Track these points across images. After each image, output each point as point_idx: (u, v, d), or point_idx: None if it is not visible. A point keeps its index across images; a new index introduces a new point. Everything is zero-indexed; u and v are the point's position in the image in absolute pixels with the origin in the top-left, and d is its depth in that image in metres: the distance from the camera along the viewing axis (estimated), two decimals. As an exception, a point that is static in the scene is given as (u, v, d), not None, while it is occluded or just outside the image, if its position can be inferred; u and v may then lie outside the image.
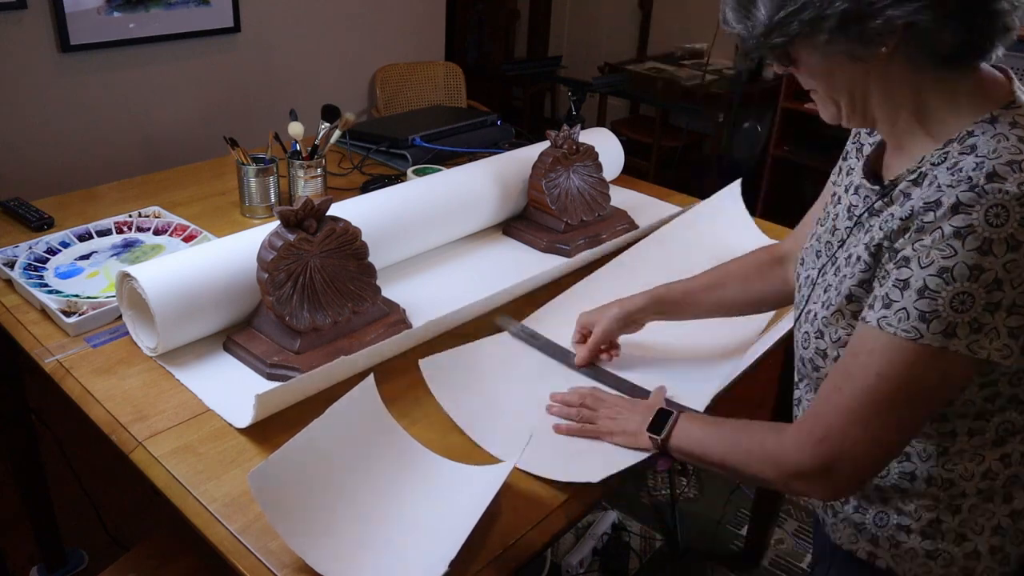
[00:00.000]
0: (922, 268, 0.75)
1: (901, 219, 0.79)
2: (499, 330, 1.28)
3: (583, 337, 1.22)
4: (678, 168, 3.96)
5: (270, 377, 1.12)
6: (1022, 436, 0.86)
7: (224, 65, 2.84)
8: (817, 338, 0.91)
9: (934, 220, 0.75)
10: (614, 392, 1.14)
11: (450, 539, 0.84)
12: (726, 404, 1.15)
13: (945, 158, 0.78)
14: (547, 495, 0.96)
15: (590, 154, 1.60)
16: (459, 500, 0.94)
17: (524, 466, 0.99)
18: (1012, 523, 0.88)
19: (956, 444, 0.86)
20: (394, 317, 1.23)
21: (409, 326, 1.23)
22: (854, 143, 1.00)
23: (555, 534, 0.93)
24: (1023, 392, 0.83)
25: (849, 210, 0.93)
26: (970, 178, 0.74)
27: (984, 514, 0.88)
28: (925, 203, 0.77)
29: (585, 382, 1.17)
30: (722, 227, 1.59)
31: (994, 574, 0.89)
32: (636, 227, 1.62)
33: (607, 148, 1.73)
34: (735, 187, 1.66)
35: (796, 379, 1.02)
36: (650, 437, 0.99)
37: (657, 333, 1.24)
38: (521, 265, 1.47)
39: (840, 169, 1.01)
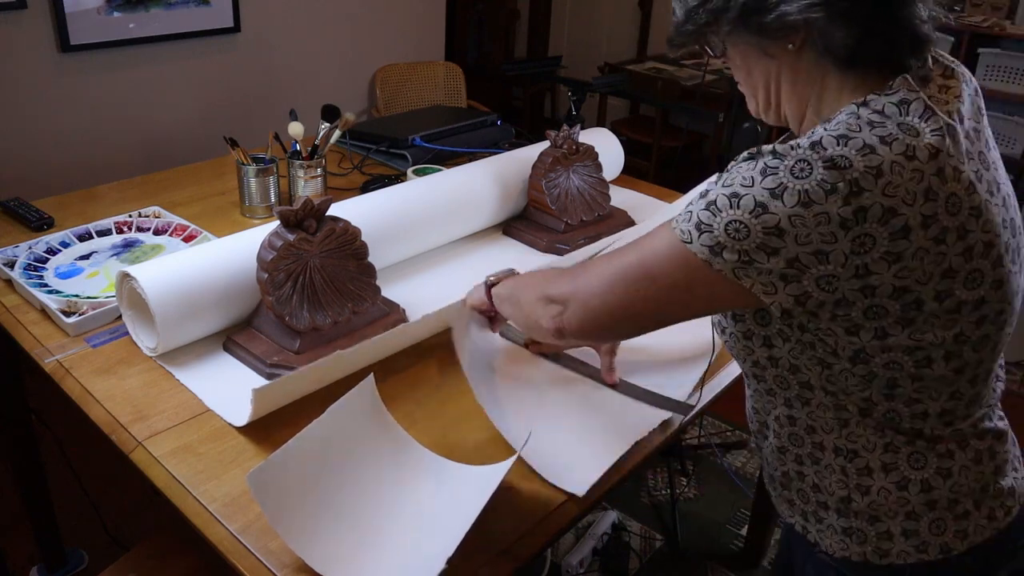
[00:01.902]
0: (722, 187, 0.77)
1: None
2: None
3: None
4: (678, 168, 3.97)
5: (270, 377, 1.11)
6: (911, 426, 0.85)
7: (224, 65, 2.84)
8: None
9: (755, 156, 0.76)
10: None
11: (448, 537, 0.84)
12: (726, 402, 1.15)
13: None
14: (547, 495, 0.96)
15: (590, 154, 1.60)
16: (457, 499, 0.94)
17: (526, 457, 1.01)
18: (927, 510, 0.87)
19: (852, 417, 0.86)
20: (394, 317, 1.23)
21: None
22: None
23: (555, 534, 0.93)
24: (903, 382, 0.81)
25: None
26: (813, 135, 0.75)
27: (898, 501, 0.87)
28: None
29: (599, 391, 1.17)
30: None
31: (910, 558, 0.88)
32: (636, 227, 1.61)
33: (607, 148, 1.73)
34: None
35: None
36: (485, 283, 1.12)
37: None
38: (521, 265, 1.46)
39: None
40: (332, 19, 3.10)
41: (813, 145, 0.73)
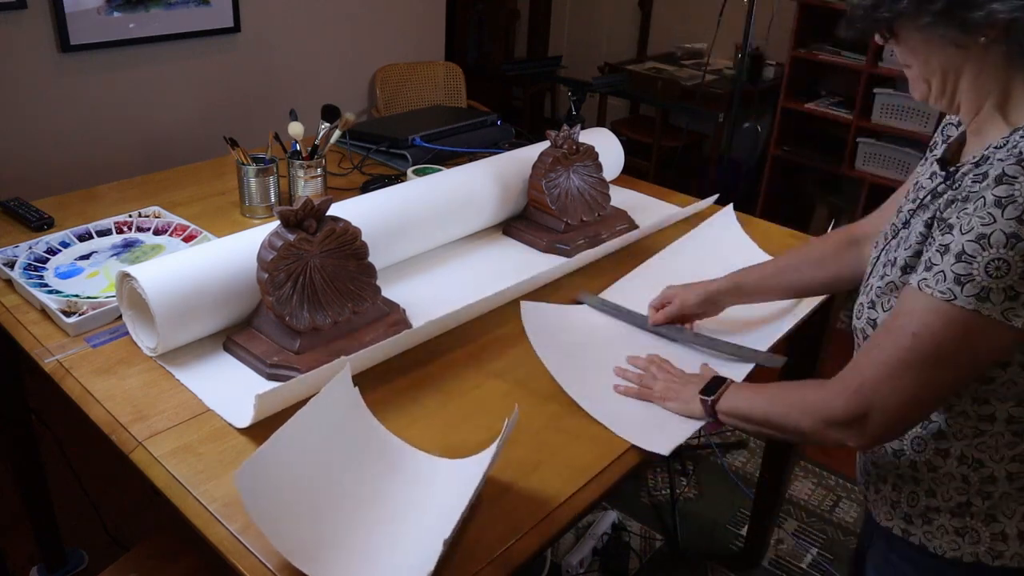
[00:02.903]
0: (963, 234, 0.78)
1: (954, 191, 0.82)
2: (578, 303, 1.37)
3: (663, 304, 1.30)
4: (678, 168, 3.97)
5: (270, 377, 1.12)
6: None
7: (224, 65, 2.84)
8: (870, 308, 0.95)
9: (979, 190, 0.78)
10: (689, 354, 1.24)
11: (435, 536, 0.84)
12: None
13: (1006, 143, 0.80)
14: (547, 495, 0.96)
15: (590, 154, 1.60)
16: (441, 494, 0.94)
17: (606, 421, 1.08)
18: None
19: (993, 427, 0.88)
20: (394, 317, 1.23)
21: (409, 326, 1.23)
22: (941, 134, 1.02)
23: (555, 534, 0.93)
24: None
25: (917, 193, 0.96)
26: (1020, 153, 0.76)
27: (1016, 500, 0.89)
28: (975, 176, 0.80)
29: (660, 347, 1.25)
30: (726, 251, 1.60)
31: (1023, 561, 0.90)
32: (636, 227, 1.62)
33: (607, 148, 1.73)
34: (729, 211, 1.72)
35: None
36: (701, 399, 1.07)
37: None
38: (521, 265, 1.47)
39: (925, 159, 1.04)
40: (332, 19, 3.10)
41: None
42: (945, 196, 0.86)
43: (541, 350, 1.18)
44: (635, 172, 2.08)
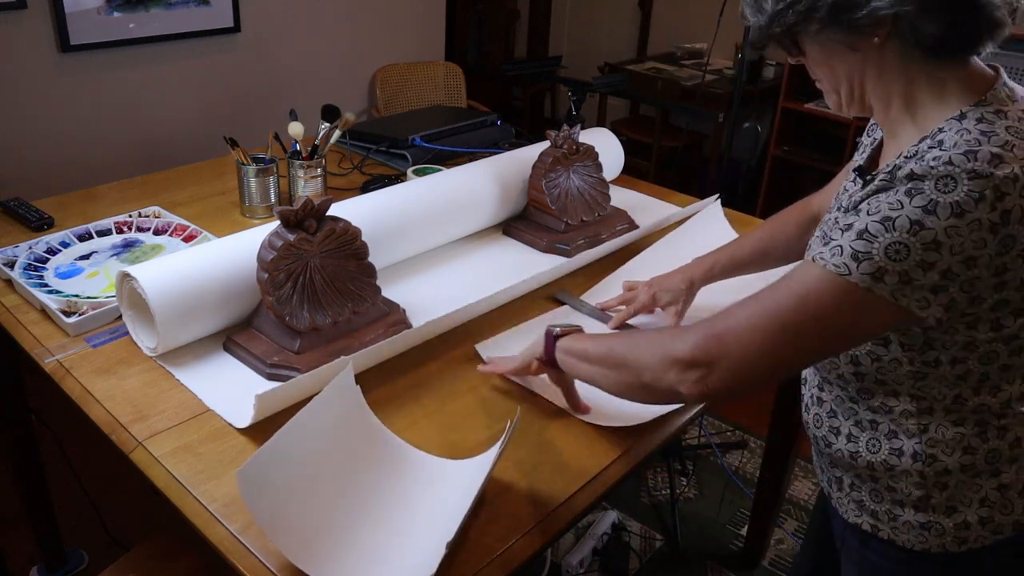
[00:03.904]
0: (869, 215, 0.79)
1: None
2: (551, 307, 1.36)
3: (622, 303, 1.34)
4: (678, 168, 3.97)
5: (270, 377, 1.12)
6: (998, 417, 0.90)
7: (224, 65, 2.84)
8: None
9: (887, 184, 0.80)
10: None
11: (437, 537, 0.84)
12: (726, 403, 1.15)
13: (916, 152, 0.81)
14: (547, 495, 0.96)
15: (590, 154, 1.60)
16: (443, 496, 0.94)
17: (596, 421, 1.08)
18: (1000, 495, 0.92)
19: (935, 421, 0.90)
20: (394, 317, 1.23)
21: (409, 326, 1.23)
22: (868, 135, 1.03)
23: (555, 534, 0.93)
24: (993, 373, 0.86)
25: (839, 200, 0.98)
26: (928, 160, 0.78)
27: (972, 488, 0.92)
28: (884, 175, 0.81)
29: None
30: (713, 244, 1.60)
31: (987, 540, 0.93)
32: (636, 227, 1.62)
33: (607, 148, 1.73)
34: (716, 206, 1.71)
35: None
36: (546, 332, 1.06)
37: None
38: (521, 265, 1.47)
39: (855, 159, 1.05)
40: (332, 19, 3.10)
41: (947, 163, 0.76)
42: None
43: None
44: (635, 172, 2.08)
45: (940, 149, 0.78)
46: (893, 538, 0.97)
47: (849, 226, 0.80)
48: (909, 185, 0.77)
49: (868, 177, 0.89)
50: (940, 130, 0.81)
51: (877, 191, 0.81)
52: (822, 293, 0.81)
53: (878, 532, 0.99)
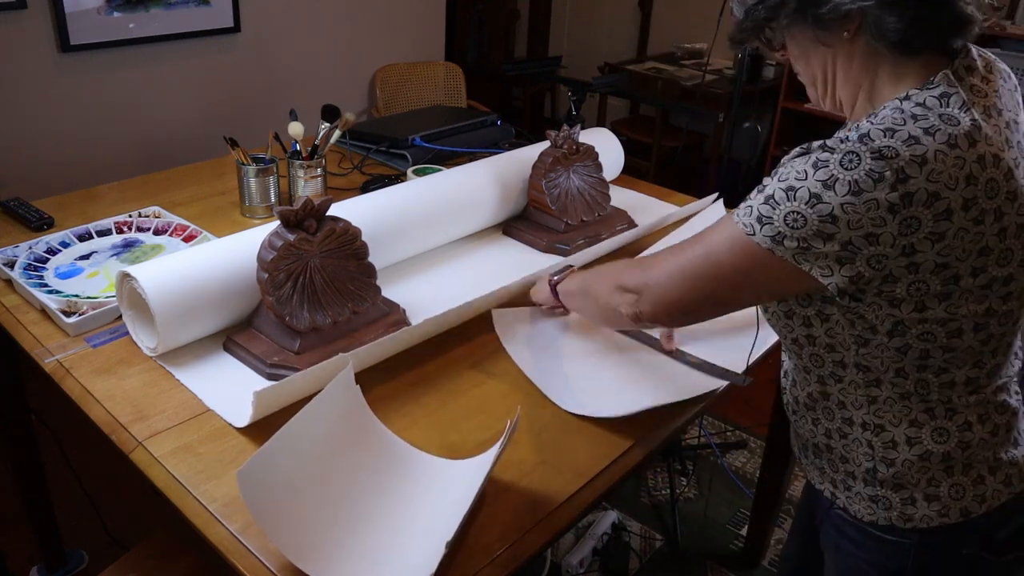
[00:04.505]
0: (778, 182, 0.82)
1: None
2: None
3: None
4: (678, 168, 3.97)
5: (270, 377, 1.12)
6: (945, 399, 0.91)
7: (224, 65, 2.84)
8: None
9: (804, 151, 0.82)
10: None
11: (437, 537, 0.84)
12: (726, 402, 1.15)
13: (857, 127, 0.83)
14: (547, 495, 0.96)
15: (590, 154, 1.60)
16: (443, 495, 0.94)
17: (573, 409, 1.11)
18: (947, 476, 0.93)
19: (882, 393, 0.92)
20: (394, 317, 1.23)
21: (409, 326, 1.22)
22: None
23: (555, 534, 0.93)
24: (934, 351, 0.87)
25: None
26: (849, 133, 0.80)
27: (919, 469, 0.93)
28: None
29: (625, 345, 1.27)
30: None
31: (933, 522, 0.94)
32: (636, 227, 1.62)
33: (607, 148, 1.73)
34: (719, 207, 1.71)
35: None
36: (549, 280, 1.24)
37: None
38: (521, 265, 1.47)
39: None
40: (332, 19, 3.10)
41: (861, 138, 0.78)
42: None
43: (516, 356, 1.21)
44: (635, 172, 2.08)
45: (867, 122, 0.80)
46: (847, 507, 1.00)
47: (762, 188, 0.84)
48: (817, 156, 0.80)
49: None
50: (883, 108, 0.83)
51: (794, 156, 0.83)
52: (730, 247, 0.86)
53: (835, 500, 1.02)
